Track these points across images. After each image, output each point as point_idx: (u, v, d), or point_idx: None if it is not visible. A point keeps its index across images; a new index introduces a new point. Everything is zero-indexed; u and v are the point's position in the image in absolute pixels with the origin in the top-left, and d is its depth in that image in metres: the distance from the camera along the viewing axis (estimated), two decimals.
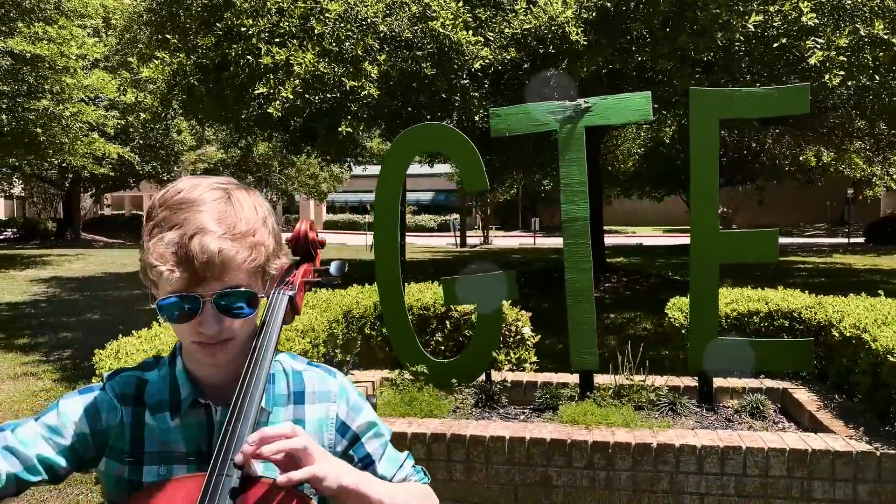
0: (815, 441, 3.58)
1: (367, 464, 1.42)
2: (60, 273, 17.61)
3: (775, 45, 6.80)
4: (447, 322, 5.32)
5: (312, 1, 7.20)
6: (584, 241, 4.59)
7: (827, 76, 6.30)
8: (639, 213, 41.88)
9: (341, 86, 6.79)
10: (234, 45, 7.38)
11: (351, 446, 1.43)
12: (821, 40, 6.68)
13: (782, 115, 4.43)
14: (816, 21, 6.62)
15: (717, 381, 4.69)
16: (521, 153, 15.05)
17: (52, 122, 16.61)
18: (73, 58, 16.12)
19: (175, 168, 27.83)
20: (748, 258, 4.59)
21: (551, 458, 3.68)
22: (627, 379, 4.63)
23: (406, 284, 5.19)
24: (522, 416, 4.46)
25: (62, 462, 1.30)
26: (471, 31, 7.09)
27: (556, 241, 30.81)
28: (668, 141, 19.64)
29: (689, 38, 7.05)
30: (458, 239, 29.86)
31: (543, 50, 7.60)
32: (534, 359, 5.31)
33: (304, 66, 6.57)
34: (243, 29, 7.17)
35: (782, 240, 3.88)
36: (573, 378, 4.90)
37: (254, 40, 7.04)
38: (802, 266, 18.04)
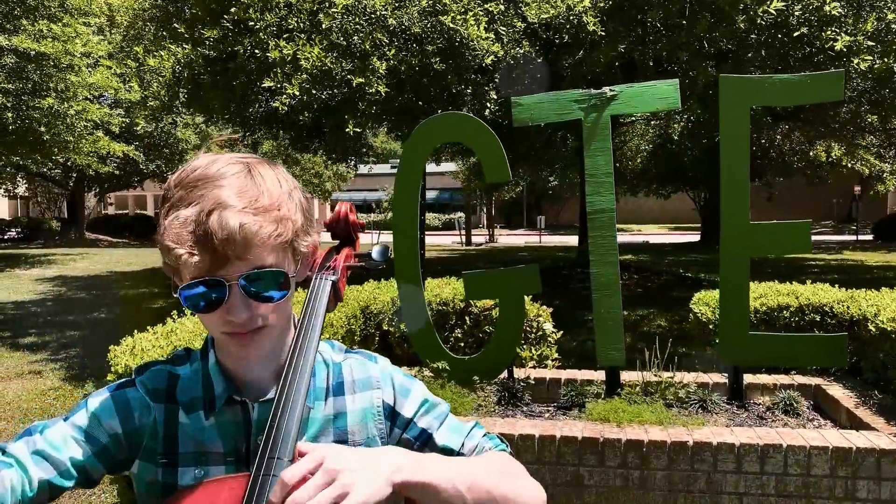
0: (858, 439, 3.44)
1: (424, 440, 1.30)
2: (65, 272, 17.51)
3: (795, 34, 6.65)
4: (467, 318, 5.18)
5: None
6: (610, 234, 4.45)
7: (855, 61, 6.14)
8: (644, 210, 41.71)
9: (349, 82, 6.64)
10: (242, 40, 7.24)
11: (405, 430, 1.31)
12: (841, 31, 6.54)
13: (815, 102, 4.29)
14: (840, 11, 6.48)
15: (747, 378, 4.55)
16: (528, 151, 14.92)
17: (56, 120, 16.49)
18: (78, 55, 16.00)
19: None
20: (780, 251, 4.45)
21: (583, 457, 3.54)
22: (655, 375, 4.49)
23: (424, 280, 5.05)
24: (548, 414, 4.32)
25: (97, 465, 1.19)
26: (482, 26, 6.95)
27: (562, 239, 30.73)
28: (676, 137, 19.46)
29: (709, 26, 6.89)
30: (464, 237, 29.71)
31: (559, 40, 7.45)
32: (555, 355, 5.18)
33: (311, 60, 6.42)
34: (251, 23, 7.03)
35: None
36: (598, 375, 4.77)
37: (261, 35, 6.90)
38: (813, 263, 17.88)
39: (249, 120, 10.55)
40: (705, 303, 5.19)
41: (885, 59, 6.35)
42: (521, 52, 7.23)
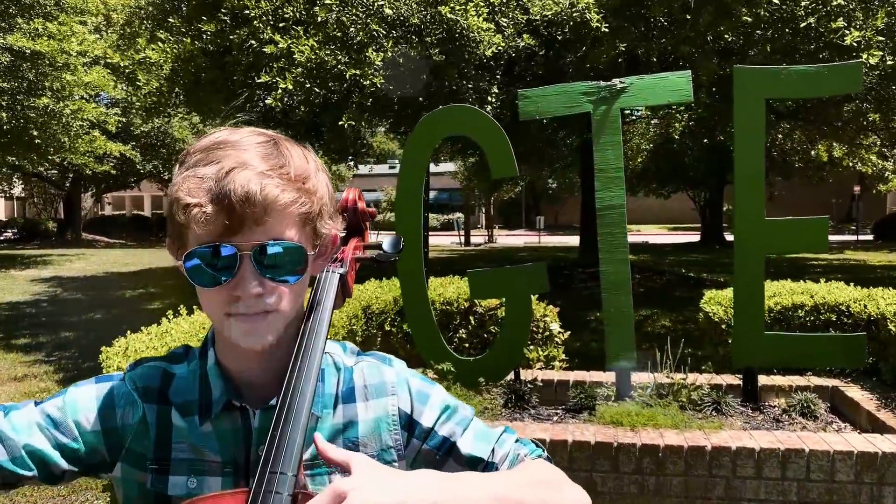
0: (883, 443, 3.29)
1: (447, 450, 1.16)
2: (61, 273, 17.34)
3: (803, 24, 6.51)
4: (471, 318, 5.03)
5: None
6: (620, 231, 4.30)
7: (864, 55, 6.02)
8: (643, 210, 41.53)
9: (343, 75, 6.48)
10: (238, 31, 7.09)
11: (425, 440, 1.16)
12: (850, 23, 6.41)
13: (832, 94, 4.16)
14: (847, 1, 6.35)
15: (761, 379, 4.42)
16: (529, 150, 14.78)
17: (51, 119, 16.32)
18: (74, 54, 15.83)
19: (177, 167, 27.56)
20: (796, 248, 4.33)
21: (596, 463, 3.40)
22: (667, 377, 4.35)
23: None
24: (556, 417, 4.18)
25: (57, 459, 1.05)
26: (482, 17, 6.79)
27: (561, 240, 30.58)
28: (676, 136, 19.31)
29: (714, 20, 6.75)
30: (463, 237, 29.57)
31: (562, 36, 7.31)
32: (562, 356, 5.03)
33: (305, 53, 6.27)
34: (246, 11, 6.87)
35: None
36: (607, 376, 4.63)
37: (256, 23, 6.75)
38: (816, 263, 17.76)
39: (246, 118, 10.41)
40: (717, 302, 5.05)
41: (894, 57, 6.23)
42: (522, 44, 7.07)
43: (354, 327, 4.51)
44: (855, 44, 6.12)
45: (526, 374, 4.55)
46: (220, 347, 1.13)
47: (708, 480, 3.32)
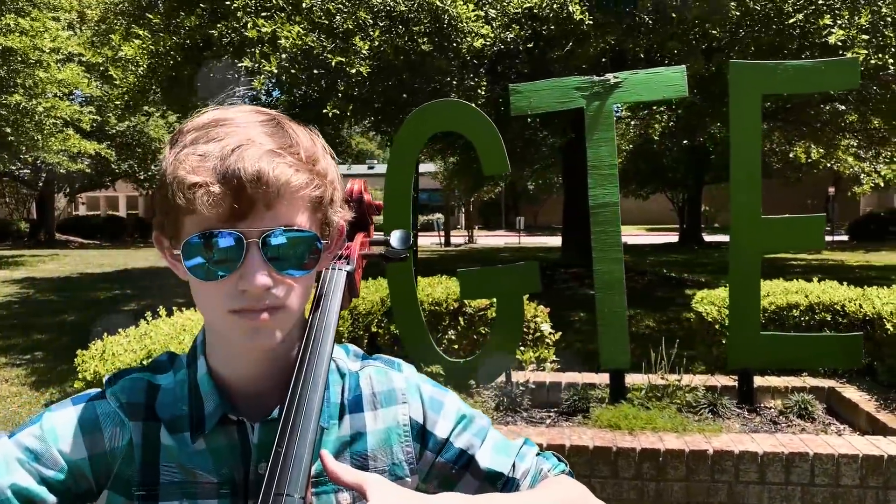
0: (889, 446, 3.22)
1: (464, 464, 1.05)
2: (34, 274, 16.96)
3: (791, 20, 6.47)
4: (461, 318, 4.91)
5: None
6: (614, 229, 4.21)
7: (849, 53, 5.99)
8: (622, 211, 41.56)
9: (328, 63, 6.31)
10: (219, 25, 6.91)
11: (440, 453, 1.06)
12: (837, 21, 6.38)
13: (829, 90, 4.10)
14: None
15: (757, 380, 4.34)
16: (509, 151, 14.69)
17: (24, 117, 15.94)
18: (47, 51, 15.48)
19: (153, 167, 27.13)
20: (793, 246, 4.26)
21: (594, 468, 3.29)
22: (662, 378, 4.26)
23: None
24: (549, 420, 4.07)
25: (45, 496, 0.92)
26: (471, 6, 6.67)
27: (542, 240, 30.53)
28: (656, 137, 19.35)
29: (702, 15, 6.69)
30: (443, 238, 29.43)
31: (546, 32, 7.21)
32: (553, 357, 4.92)
33: (290, 39, 6.10)
34: (227, 3, 6.69)
35: None
36: (600, 378, 4.53)
37: (239, 14, 6.57)
38: (795, 263, 17.88)
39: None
40: (710, 302, 4.97)
41: (881, 55, 6.20)
42: (511, 35, 6.95)
43: (340, 328, 4.37)
44: (840, 43, 6.09)
45: (518, 376, 4.44)
46: (214, 354, 1.00)
47: (710, 486, 3.22)
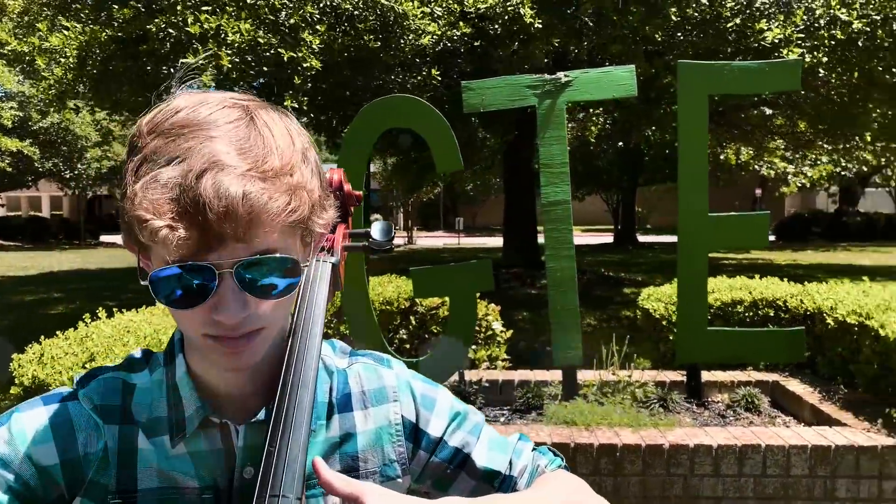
0: (835, 436, 3.31)
1: (459, 463, 1.01)
2: None
3: (729, 24, 6.66)
4: (412, 317, 4.86)
5: None
6: (566, 227, 4.23)
7: (785, 51, 6.20)
8: None
9: (279, 58, 6.17)
10: (156, 19, 6.67)
11: (434, 452, 1.01)
12: (772, 24, 6.60)
13: (774, 90, 4.22)
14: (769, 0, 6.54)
15: (704, 375, 4.42)
16: None
17: None
18: None
19: (79, 166, 26.12)
20: (738, 243, 4.37)
21: None
22: (613, 374, 4.30)
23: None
24: (503, 418, 4.06)
25: None
26: (416, 3, 6.62)
27: (481, 241, 30.67)
28: (593, 139, 19.69)
29: (642, 19, 6.82)
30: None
31: (493, 31, 7.23)
32: (505, 356, 4.92)
33: (240, 34, 5.94)
34: None
35: None
36: (551, 375, 4.55)
37: (179, 8, 6.35)
38: (726, 262, 18.42)
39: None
40: (657, 299, 5.05)
41: (815, 54, 6.43)
42: (459, 33, 6.93)
43: None
44: (777, 41, 6.30)
45: (471, 375, 4.42)
46: (194, 354, 0.93)
47: (666, 479, 3.26)
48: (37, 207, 46.41)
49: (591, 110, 15.54)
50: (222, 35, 6.01)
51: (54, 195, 42.53)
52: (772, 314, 4.69)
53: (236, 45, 5.96)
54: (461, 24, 6.88)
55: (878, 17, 6.22)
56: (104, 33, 7.50)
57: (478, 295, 4.81)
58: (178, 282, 0.79)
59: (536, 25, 6.70)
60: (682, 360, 4.23)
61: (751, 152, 18.22)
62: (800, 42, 6.35)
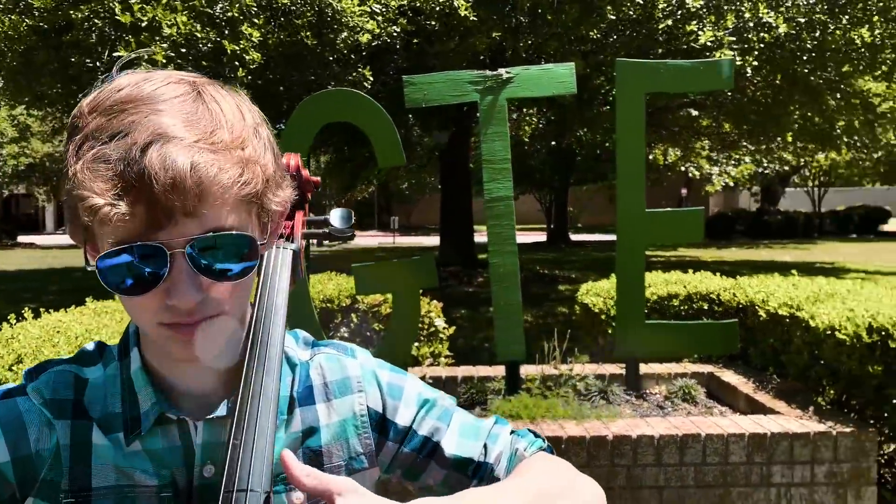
0: (770, 424, 3.42)
1: (429, 452, 0.98)
2: None
3: (661, 26, 6.83)
4: (353, 315, 4.80)
5: None
6: (508, 223, 4.23)
7: (717, 54, 6.40)
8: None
9: (221, 51, 6.01)
10: (82, 6, 6.41)
11: (403, 443, 0.98)
12: (704, 26, 6.80)
13: (707, 89, 4.34)
14: (700, 4, 6.73)
15: (642, 368, 4.51)
16: None
17: None
18: None
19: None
20: (674, 239, 4.46)
21: None
22: (555, 368, 4.34)
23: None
24: None
25: None
26: (355, 1, 6.56)
27: (416, 240, 30.64)
28: (527, 139, 19.91)
29: (577, 17, 6.93)
30: (317, 239, 28.90)
31: (429, 27, 7.22)
32: (447, 352, 4.91)
33: (177, 27, 5.75)
34: None
35: None
36: (495, 371, 4.56)
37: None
38: (655, 259, 18.88)
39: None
40: (595, 293, 5.13)
41: (746, 57, 6.66)
42: (398, 30, 6.89)
43: None
44: (709, 43, 6.50)
45: (414, 372, 4.38)
46: (149, 347, 0.89)
47: (610, 470, 3.30)
48: None
49: (524, 110, 15.73)
50: (156, 26, 5.81)
51: None
52: (706, 307, 4.82)
53: (172, 38, 5.77)
54: (402, 20, 6.85)
55: (803, 21, 6.49)
56: (24, 23, 7.17)
57: (420, 291, 4.80)
58: (126, 266, 0.74)
59: (472, 19, 6.72)
60: (622, 353, 4.30)
61: (678, 153, 18.74)
62: (730, 44, 6.57)
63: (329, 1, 6.28)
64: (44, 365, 0.91)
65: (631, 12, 6.91)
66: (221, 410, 0.86)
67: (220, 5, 6.12)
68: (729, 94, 10.23)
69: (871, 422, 3.51)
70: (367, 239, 32.86)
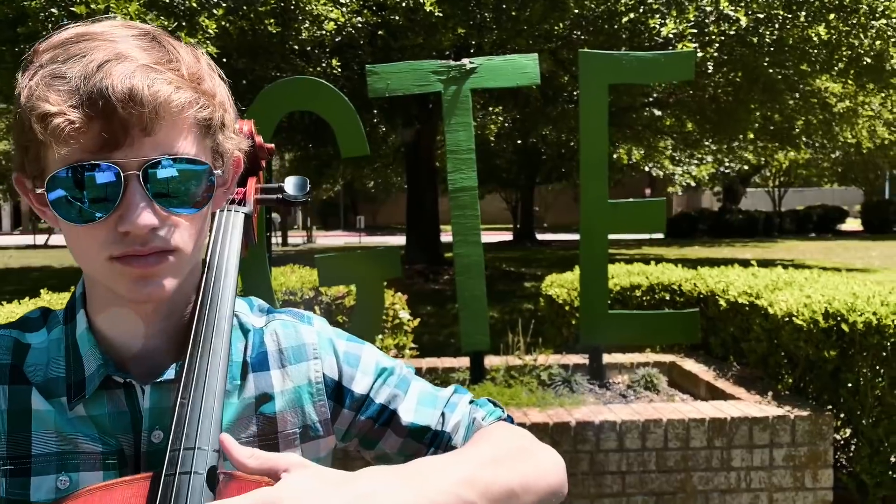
0: (730, 409, 3.47)
1: (386, 420, 0.96)
2: None
3: (624, 20, 6.91)
4: (317, 308, 4.76)
5: None
6: (472, 213, 4.23)
7: (679, 46, 6.49)
8: None
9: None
10: None
11: (360, 411, 0.96)
12: (666, 19, 6.90)
13: (668, 80, 4.40)
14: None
15: (605, 357, 4.54)
16: None
17: None
18: None
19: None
20: (637, 229, 4.50)
21: None
22: (519, 359, 4.35)
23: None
24: None
25: None
26: None
27: (382, 240, 30.54)
28: (493, 139, 19.97)
29: (543, 12, 6.97)
30: (280, 237, 28.72)
31: (394, 21, 7.20)
32: (412, 344, 4.90)
33: (130, 17, 5.66)
34: None
35: None
36: (459, 362, 4.57)
37: None
38: (619, 257, 19.07)
39: None
40: (559, 285, 5.16)
41: (707, 49, 6.76)
42: (363, 20, 6.85)
43: None
44: (670, 36, 6.59)
45: None
46: (96, 307, 0.86)
47: (573, 456, 3.32)
48: None
49: (490, 108, 15.78)
50: (113, 17, 5.69)
51: None
52: (668, 298, 4.88)
53: None
54: (366, 11, 6.82)
55: (763, 16, 6.61)
56: None
57: (384, 284, 4.78)
58: (77, 187, 0.73)
59: (437, 14, 6.72)
60: (585, 343, 4.33)
61: (641, 152, 18.97)
62: (691, 38, 6.66)
63: None
64: None
65: (594, 4, 6.97)
66: (169, 374, 0.84)
67: None
68: (690, 91, 10.39)
69: (828, 406, 3.57)
70: (333, 238, 32.67)
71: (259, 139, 1.29)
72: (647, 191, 35.70)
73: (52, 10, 6.30)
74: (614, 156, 20.87)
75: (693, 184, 21.68)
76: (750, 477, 3.38)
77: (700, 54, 6.61)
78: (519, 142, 19.69)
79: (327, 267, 4.12)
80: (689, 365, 4.43)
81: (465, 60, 4.28)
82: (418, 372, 3.40)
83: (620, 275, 5.10)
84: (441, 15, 6.94)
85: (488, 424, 0.98)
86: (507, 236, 29.38)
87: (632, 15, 6.81)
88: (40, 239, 28.22)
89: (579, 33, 7.88)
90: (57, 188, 0.73)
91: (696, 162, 19.86)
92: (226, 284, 0.91)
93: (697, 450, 3.35)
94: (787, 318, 3.65)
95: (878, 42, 7.65)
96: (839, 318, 3.40)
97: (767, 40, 6.69)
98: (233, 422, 0.87)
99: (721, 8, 6.53)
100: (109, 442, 0.82)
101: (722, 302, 4.38)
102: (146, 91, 0.71)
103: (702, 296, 4.69)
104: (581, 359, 4.57)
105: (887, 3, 7.15)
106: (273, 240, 29.90)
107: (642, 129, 15.04)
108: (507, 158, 23.90)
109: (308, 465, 0.73)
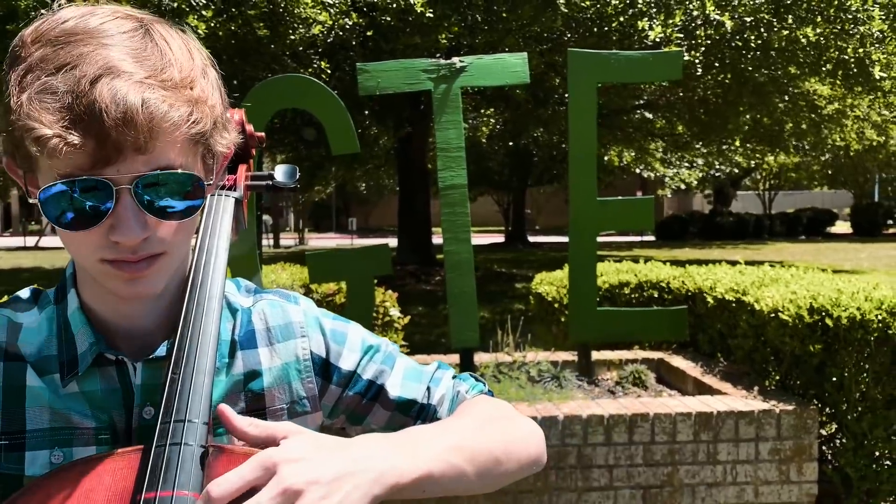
0: (716, 403, 3.50)
1: (373, 395, 0.99)
2: None
3: (613, 24, 6.97)
4: None
5: None
6: (463, 210, 4.27)
7: (666, 49, 6.55)
8: None
9: None
10: None
11: (347, 387, 0.99)
12: (654, 24, 6.95)
13: (656, 80, 4.44)
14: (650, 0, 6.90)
15: (594, 354, 4.57)
16: None
17: None
18: None
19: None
20: (626, 225, 4.56)
21: None
22: (508, 355, 4.38)
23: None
24: None
25: None
26: None
27: (375, 242, 30.47)
28: (484, 140, 20.02)
29: (533, 13, 7.01)
30: (272, 240, 28.69)
31: (384, 22, 7.24)
32: (402, 342, 4.92)
33: None
34: None
35: None
36: (448, 359, 4.57)
37: None
38: (610, 258, 19.14)
39: None
40: (549, 283, 5.19)
41: (694, 53, 6.82)
42: (350, 23, 6.88)
43: None
44: (658, 39, 6.65)
45: None
46: (87, 287, 0.88)
47: (561, 450, 3.35)
48: None
49: (482, 111, 15.83)
50: None
51: None
52: (656, 295, 4.92)
53: None
54: (353, 14, 6.85)
55: (749, 20, 6.67)
56: None
57: (375, 282, 4.80)
58: (70, 199, 0.74)
59: (428, 15, 6.76)
60: (574, 340, 4.36)
61: (632, 154, 19.06)
62: (679, 41, 6.73)
63: None
64: None
65: (585, 4, 7.02)
66: (161, 351, 0.86)
67: None
68: (680, 93, 10.46)
69: (814, 400, 3.61)
70: (325, 240, 32.64)
71: (250, 127, 1.31)
72: (639, 193, 35.80)
73: (42, 10, 6.28)
74: (605, 158, 20.98)
75: (683, 186, 21.77)
76: (736, 470, 3.41)
77: (687, 57, 6.66)
78: (510, 144, 19.76)
79: (317, 263, 4.14)
80: (677, 361, 4.46)
81: (455, 59, 4.31)
82: None
83: (609, 272, 5.14)
84: (432, 16, 6.97)
85: (472, 397, 1.02)
86: (499, 238, 29.43)
87: (621, 18, 6.87)
88: (31, 241, 28.10)
89: (570, 35, 7.93)
90: (49, 199, 0.75)
91: (686, 164, 19.96)
92: (216, 266, 0.93)
93: (684, 444, 3.38)
94: (773, 314, 3.69)
95: (860, 49, 7.73)
96: (824, 313, 3.45)
97: (753, 45, 6.76)
98: (222, 398, 0.90)
99: (707, 12, 6.60)
100: (102, 418, 0.85)
101: (709, 299, 4.42)
102: (140, 115, 0.71)
103: (690, 293, 4.73)
104: (570, 356, 4.61)
105: (868, 11, 7.22)
106: (265, 242, 29.87)
107: (633, 131, 15.11)
108: (499, 160, 23.98)
109: (305, 432, 0.76)
